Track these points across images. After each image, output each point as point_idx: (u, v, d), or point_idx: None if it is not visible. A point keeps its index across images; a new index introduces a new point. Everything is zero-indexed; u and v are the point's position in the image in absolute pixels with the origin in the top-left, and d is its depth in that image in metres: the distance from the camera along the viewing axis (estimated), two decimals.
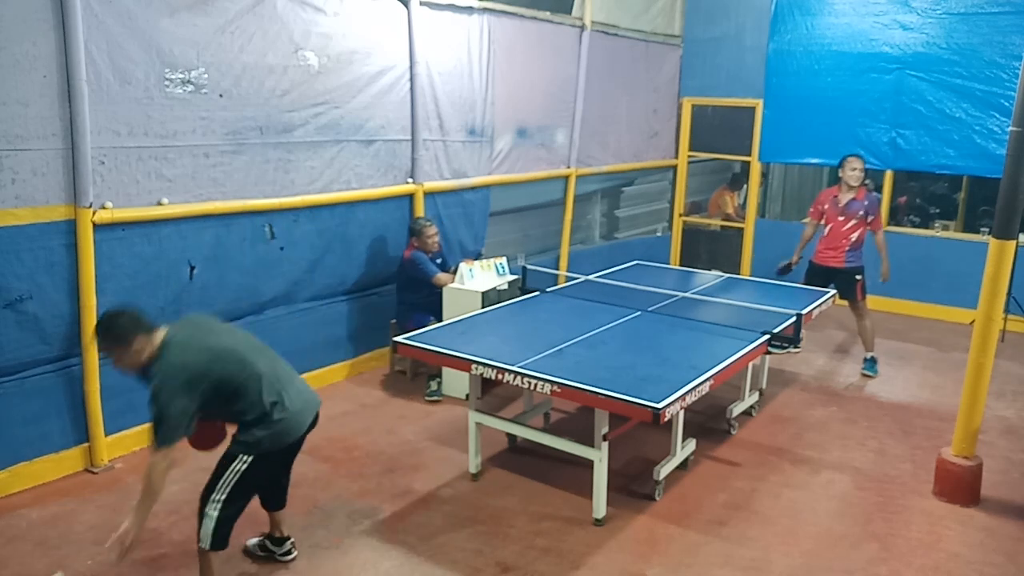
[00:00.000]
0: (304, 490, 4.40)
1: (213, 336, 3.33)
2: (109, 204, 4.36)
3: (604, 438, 4.04)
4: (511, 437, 5.00)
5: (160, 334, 3.21)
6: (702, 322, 5.12)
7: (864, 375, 6.46)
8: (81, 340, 4.41)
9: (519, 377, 4.02)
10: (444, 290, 5.80)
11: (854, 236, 6.38)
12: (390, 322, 6.16)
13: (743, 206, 9.56)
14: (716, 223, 9.73)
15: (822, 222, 6.58)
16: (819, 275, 6.46)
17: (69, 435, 4.50)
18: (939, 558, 3.93)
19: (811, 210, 6.69)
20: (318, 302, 5.82)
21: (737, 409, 5.34)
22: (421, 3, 5.98)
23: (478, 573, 3.71)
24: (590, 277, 6.14)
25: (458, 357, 4.24)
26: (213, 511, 3.31)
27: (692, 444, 4.79)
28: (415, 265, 5.82)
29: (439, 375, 5.77)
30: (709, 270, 7.29)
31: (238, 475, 3.31)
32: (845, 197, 6.39)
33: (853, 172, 6.34)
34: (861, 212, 6.35)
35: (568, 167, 7.94)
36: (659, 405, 3.61)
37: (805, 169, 11.51)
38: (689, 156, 9.56)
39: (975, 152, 7.47)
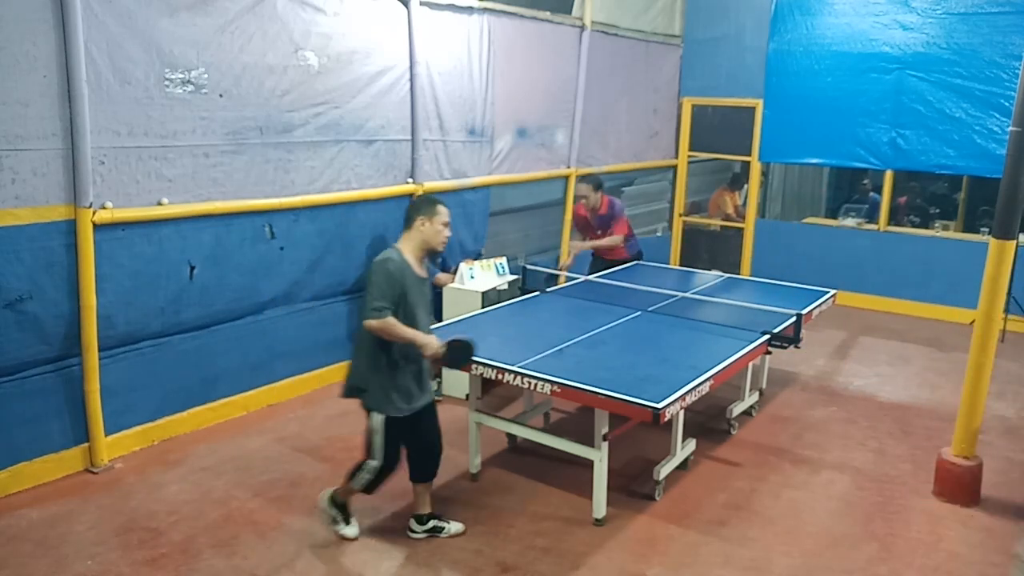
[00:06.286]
0: (304, 490, 4.41)
1: None
2: (109, 204, 4.36)
3: (604, 438, 4.04)
4: (511, 437, 5.00)
5: None
6: (702, 322, 5.12)
7: None
8: (81, 340, 4.41)
9: (519, 377, 4.02)
10: (444, 290, 5.80)
11: None
12: None
13: (743, 206, 9.56)
14: (716, 223, 9.73)
15: None
16: None
17: (69, 435, 4.50)
18: (939, 558, 3.93)
19: None
20: (318, 302, 5.82)
21: (737, 409, 5.34)
22: (421, 3, 5.98)
23: (478, 573, 3.71)
24: (590, 277, 6.15)
25: None
26: None
27: (692, 444, 4.79)
28: None
29: (439, 375, 5.76)
30: (709, 270, 7.28)
31: None
32: None
33: None
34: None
35: (568, 167, 7.94)
36: (659, 405, 3.61)
37: (805, 169, 11.53)
38: (689, 156, 9.56)
39: (975, 152, 7.47)
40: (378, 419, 3.70)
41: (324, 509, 3.92)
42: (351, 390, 3.76)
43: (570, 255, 6.63)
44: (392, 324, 3.57)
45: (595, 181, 6.46)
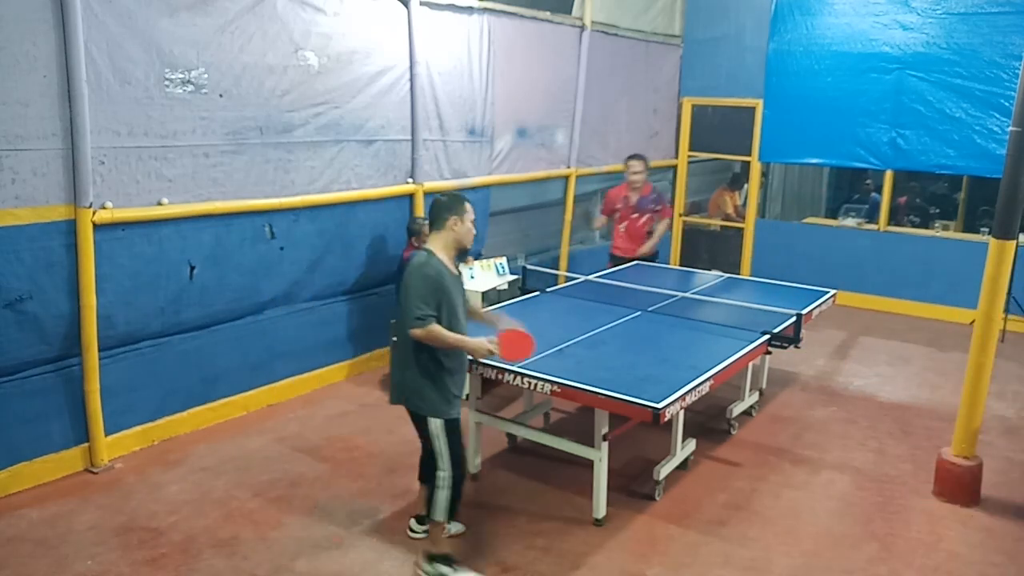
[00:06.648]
0: (304, 490, 4.41)
1: None
2: (109, 204, 4.36)
3: (604, 438, 4.04)
4: (511, 437, 5.00)
5: None
6: (702, 322, 5.12)
7: None
8: (81, 340, 4.41)
9: (519, 377, 4.02)
10: None
11: None
12: (390, 322, 6.15)
13: (743, 206, 9.56)
14: (716, 223, 9.73)
15: None
16: None
17: (69, 435, 4.50)
18: (939, 558, 3.93)
19: None
20: (318, 302, 5.82)
21: (737, 409, 5.34)
22: (421, 3, 5.98)
23: (478, 573, 3.71)
24: (590, 277, 6.14)
25: None
26: None
27: (692, 444, 4.79)
28: None
29: None
30: (709, 270, 7.28)
31: None
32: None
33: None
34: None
35: (568, 167, 7.94)
36: (659, 405, 3.62)
37: (805, 169, 11.52)
38: (689, 156, 9.56)
39: (975, 152, 7.47)
40: (437, 424, 3.58)
41: (428, 572, 3.63)
42: (405, 400, 3.64)
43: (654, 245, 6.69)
44: (438, 331, 3.47)
45: (647, 160, 6.50)
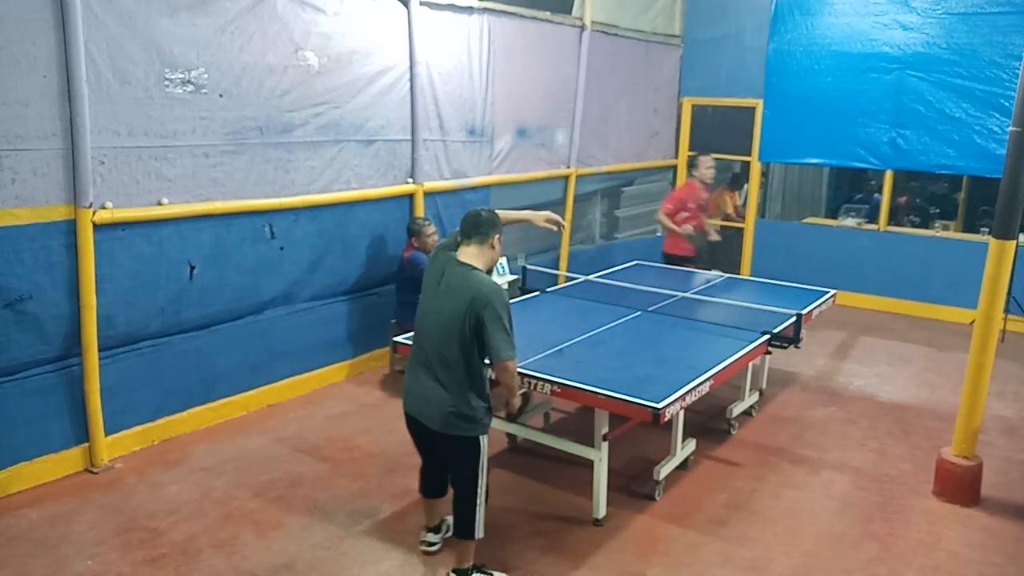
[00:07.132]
0: (304, 490, 4.41)
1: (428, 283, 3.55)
2: (109, 204, 4.36)
3: (604, 438, 4.04)
4: (511, 437, 5.00)
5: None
6: (702, 322, 5.12)
7: None
8: (81, 340, 4.41)
9: (519, 377, 4.01)
10: None
11: None
12: (390, 322, 6.16)
13: (743, 206, 9.56)
14: (716, 223, 9.72)
15: None
16: None
17: (69, 435, 4.50)
18: (939, 558, 3.93)
19: None
20: (318, 302, 5.82)
21: (737, 409, 5.34)
22: (421, 3, 5.98)
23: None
24: (590, 277, 6.15)
25: None
26: None
27: (692, 444, 4.79)
28: (414, 265, 5.83)
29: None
30: (709, 270, 7.29)
31: None
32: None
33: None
34: None
35: (568, 167, 7.94)
36: (659, 405, 3.62)
37: (805, 169, 11.52)
38: (689, 156, 9.56)
39: (975, 152, 7.47)
40: (485, 440, 3.50)
41: None
42: (450, 427, 3.43)
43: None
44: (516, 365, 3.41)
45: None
